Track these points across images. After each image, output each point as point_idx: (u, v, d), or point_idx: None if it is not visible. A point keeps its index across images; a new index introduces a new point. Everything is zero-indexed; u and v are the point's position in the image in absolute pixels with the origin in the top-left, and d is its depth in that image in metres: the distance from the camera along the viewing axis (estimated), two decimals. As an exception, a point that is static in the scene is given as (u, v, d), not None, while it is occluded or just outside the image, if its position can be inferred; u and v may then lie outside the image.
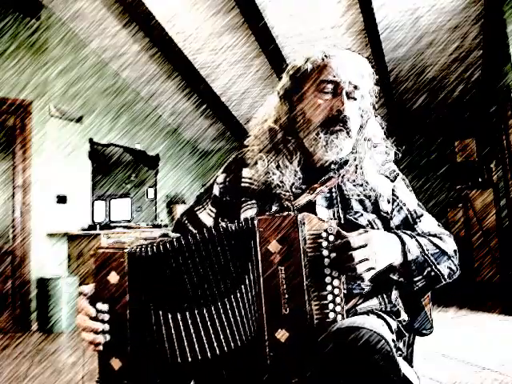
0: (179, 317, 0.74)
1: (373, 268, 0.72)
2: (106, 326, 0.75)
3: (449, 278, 0.87)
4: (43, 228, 3.65)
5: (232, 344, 0.72)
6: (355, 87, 0.92)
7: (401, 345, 0.88)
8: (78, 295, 0.79)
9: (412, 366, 0.91)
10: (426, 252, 0.83)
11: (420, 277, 0.84)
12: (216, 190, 1.00)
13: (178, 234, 0.88)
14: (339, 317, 0.69)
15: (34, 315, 3.52)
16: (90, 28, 4.03)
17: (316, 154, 0.93)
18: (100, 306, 0.75)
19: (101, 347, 0.75)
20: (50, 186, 3.73)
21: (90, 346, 0.76)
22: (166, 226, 4.75)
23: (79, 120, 4.08)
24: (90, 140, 4.19)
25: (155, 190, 5.07)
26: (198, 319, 0.73)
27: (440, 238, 0.90)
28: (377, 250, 0.73)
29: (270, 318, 0.70)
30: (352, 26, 3.70)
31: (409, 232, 0.86)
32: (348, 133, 0.90)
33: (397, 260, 0.80)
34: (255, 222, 0.72)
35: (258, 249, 0.72)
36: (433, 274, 0.84)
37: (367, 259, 0.71)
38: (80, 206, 4.03)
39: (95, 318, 0.75)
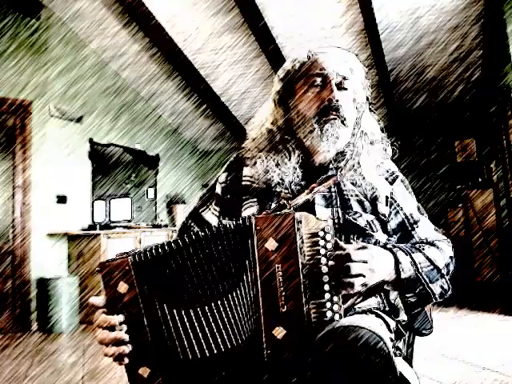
0: (185, 313, 0.74)
1: (366, 284, 0.74)
2: (127, 336, 0.74)
3: (440, 298, 0.86)
4: (43, 228, 3.65)
5: (231, 343, 0.72)
6: (344, 78, 0.93)
7: (400, 344, 0.88)
8: (90, 308, 0.79)
9: (412, 366, 0.91)
10: (420, 270, 0.83)
11: (411, 293, 0.84)
12: (219, 189, 1.01)
13: None
14: (337, 316, 0.70)
15: (34, 315, 3.52)
16: (90, 28, 4.03)
17: (315, 151, 0.94)
18: (117, 317, 0.74)
19: (126, 359, 0.74)
20: (50, 186, 3.73)
21: (116, 362, 0.75)
22: (166, 225, 4.75)
23: (79, 120, 4.08)
24: (90, 140, 4.19)
25: (155, 190, 5.07)
26: (201, 317, 0.73)
27: (437, 247, 0.90)
28: (374, 268, 0.74)
29: (268, 316, 0.70)
30: (352, 26, 3.70)
31: (405, 247, 0.86)
32: (343, 121, 0.91)
33: (390, 277, 0.81)
34: (252, 220, 0.73)
35: (256, 247, 0.72)
36: (424, 292, 0.84)
37: (363, 275, 0.72)
38: (80, 205, 4.03)
39: (115, 330, 0.74)
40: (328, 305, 0.69)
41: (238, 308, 0.73)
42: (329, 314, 0.69)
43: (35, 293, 3.53)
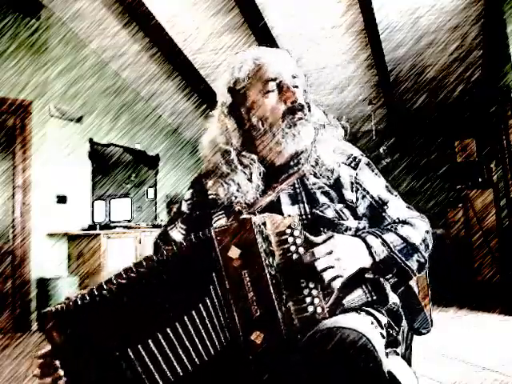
0: (142, 347, 0.71)
1: (339, 276, 0.73)
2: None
3: (418, 272, 0.87)
4: (43, 228, 3.65)
5: (200, 358, 0.71)
6: (294, 76, 0.94)
7: (399, 338, 0.88)
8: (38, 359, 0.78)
9: (410, 365, 0.91)
10: (393, 249, 0.83)
11: (390, 274, 0.85)
12: (184, 207, 1.03)
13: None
14: (319, 309, 0.70)
15: (34, 315, 3.52)
16: (90, 28, 4.03)
17: (277, 154, 0.94)
18: (60, 370, 0.75)
19: None
20: (50, 186, 3.73)
21: None
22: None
23: (79, 120, 4.08)
24: (90, 140, 4.19)
25: (155, 190, 5.07)
26: (162, 343, 0.71)
27: (410, 224, 0.90)
28: (341, 257, 0.74)
29: (243, 323, 0.70)
30: (352, 26, 3.70)
31: (375, 231, 0.86)
32: (307, 119, 0.92)
33: (366, 263, 0.81)
34: (212, 231, 0.73)
35: (220, 257, 0.72)
36: (402, 270, 0.84)
37: (332, 267, 0.72)
38: (80, 205, 4.03)
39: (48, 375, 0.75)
40: (307, 300, 0.70)
41: (207, 322, 0.71)
42: (310, 308, 0.69)
43: (35, 293, 3.53)
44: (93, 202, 4.18)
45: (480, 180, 4.24)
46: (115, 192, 4.50)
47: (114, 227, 4.08)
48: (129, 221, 4.53)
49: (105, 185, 4.34)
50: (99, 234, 3.66)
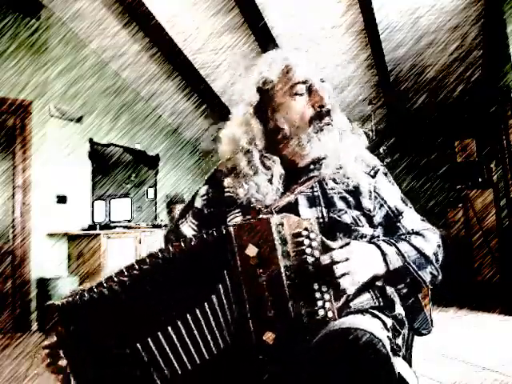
0: (141, 345, 0.71)
1: (355, 282, 0.73)
2: (71, 378, 0.74)
3: (431, 284, 0.87)
4: (43, 228, 3.65)
5: (207, 354, 0.70)
6: (322, 80, 0.94)
7: (399, 342, 0.88)
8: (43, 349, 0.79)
9: (411, 366, 0.91)
10: (407, 259, 0.83)
11: (402, 284, 0.85)
12: (198, 203, 1.01)
13: None
14: (330, 313, 0.69)
15: (34, 315, 3.52)
16: (90, 28, 4.03)
17: (300, 157, 0.93)
18: (61, 361, 0.75)
19: None
20: (50, 186, 3.73)
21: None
22: (166, 225, 4.75)
23: (79, 120, 4.08)
24: (90, 140, 4.19)
25: (155, 190, 5.07)
26: (162, 341, 0.71)
27: (423, 236, 0.90)
28: (359, 263, 0.74)
29: (256, 322, 0.69)
30: (352, 26, 3.70)
31: (389, 239, 0.86)
32: (333, 124, 0.92)
33: (380, 270, 0.81)
34: (230, 228, 0.72)
35: (237, 254, 0.71)
36: (414, 280, 0.84)
37: (349, 273, 0.72)
38: (80, 205, 4.03)
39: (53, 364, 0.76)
40: (319, 303, 0.69)
41: (212, 321, 0.71)
42: (321, 312, 0.69)
43: (35, 293, 3.53)
44: (93, 202, 4.18)
45: (480, 180, 4.23)
46: (115, 192, 4.49)
47: (114, 227, 4.08)
48: (129, 221, 4.53)
49: (105, 185, 4.34)
50: (99, 234, 3.66)
